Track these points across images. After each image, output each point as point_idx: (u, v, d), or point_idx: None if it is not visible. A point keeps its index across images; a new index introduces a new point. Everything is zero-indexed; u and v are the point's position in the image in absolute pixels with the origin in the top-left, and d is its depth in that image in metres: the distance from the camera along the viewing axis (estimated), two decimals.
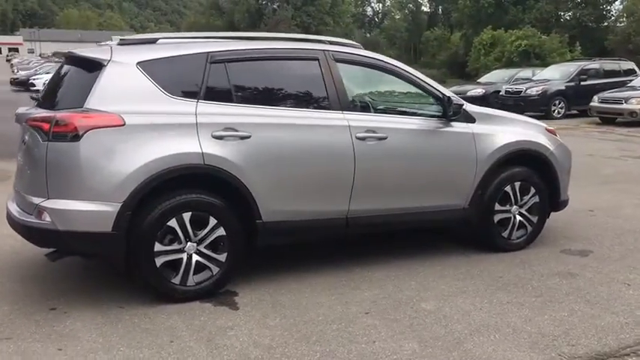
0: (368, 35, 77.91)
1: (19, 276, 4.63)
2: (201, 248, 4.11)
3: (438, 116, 4.89)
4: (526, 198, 5.24)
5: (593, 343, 3.58)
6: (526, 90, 18.45)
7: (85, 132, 3.77)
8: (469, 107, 5.06)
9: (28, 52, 78.01)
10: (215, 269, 4.17)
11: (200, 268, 4.14)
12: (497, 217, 5.14)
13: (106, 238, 3.84)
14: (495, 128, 5.09)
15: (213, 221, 4.11)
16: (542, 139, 5.31)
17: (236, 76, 4.29)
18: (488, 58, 40.99)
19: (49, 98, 4.22)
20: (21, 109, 4.32)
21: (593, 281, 4.59)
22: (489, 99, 19.81)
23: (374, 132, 4.56)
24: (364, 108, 4.82)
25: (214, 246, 4.16)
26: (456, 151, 4.90)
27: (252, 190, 4.17)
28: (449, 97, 4.83)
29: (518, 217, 5.24)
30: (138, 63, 4.03)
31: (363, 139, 4.51)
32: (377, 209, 4.68)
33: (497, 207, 5.13)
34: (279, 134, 4.28)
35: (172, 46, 4.30)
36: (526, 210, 5.27)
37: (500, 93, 19.47)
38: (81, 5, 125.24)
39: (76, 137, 3.76)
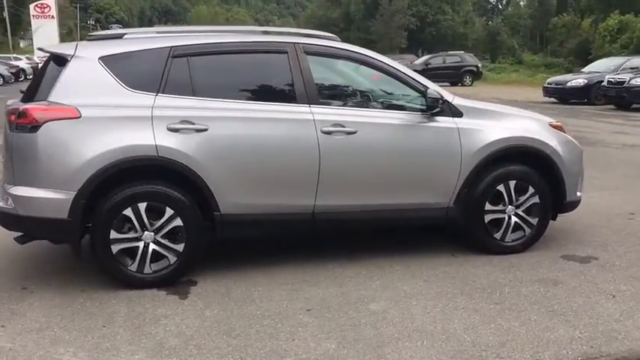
0: (490, 23, 75.20)
1: (9, 257, 4.98)
2: (159, 238, 4.24)
3: (418, 110, 4.69)
4: (523, 198, 4.90)
5: (525, 357, 3.33)
6: (630, 80, 16.97)
7: (43, 123, 4.00)
8: (457, 101, 4.80)
9: None
10: (173, 258, 4.28)
11: (158, 256, 4.26)
12: (488, 217, 4.86)
13: (63, 224, 4.06)
14: (485, 123, 4.80)
15: (169, 212, 4.21)
16: (543, 136, 4.93)
17: (198, 70, 4.35)
18: (614, 45, 38.23)
19: (29, 92, 4.50)
20: (10, 102, 4.65)
21: (575, 290, 4.24)
22: (591, 90, 18.54)
23: (342, 126, 4.45)
24: (336, 102, 4.70)
25: (172, 236, 4.27)
26: (436, 146, 4.67)
27: (208, 183, 4.23)
28: (427, 90, 4.62)
29: (514, 219, 4.92)
30: (100, 58, 4.21)
31: (329, 133, 4.42)
32: (346, 205, 4.58)
33: (489, 207, 4.84)
34: (237, 127, 4.30)
35: (137, 41, 4.44)
36: (524, 211, 4.93)
37: (602, 83, 18.09)
38: (211, 1, 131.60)
39: (35, 128, 4.00)
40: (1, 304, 4.05)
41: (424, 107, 4.68)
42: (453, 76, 30.35)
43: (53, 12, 41.40)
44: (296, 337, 3.58)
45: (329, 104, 4.58)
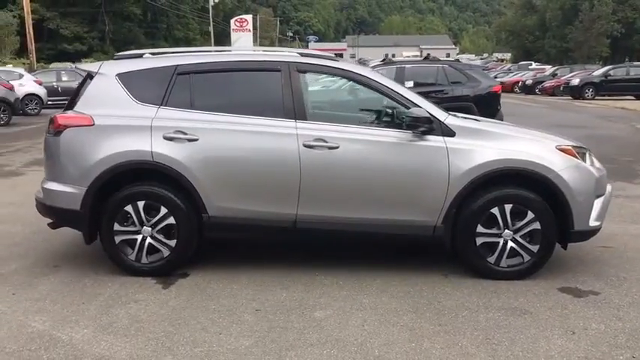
0: None
1: (64, 239, 5.87)
2: (155, 233, 4.81)
3: (407, 128, 4.74)
4: (520, 223, 4.71)
5: None
6: None
7: (65, 129, 4.77)
8: (450, 120, 4.77)
9: (350, 58, 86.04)
10: (166, 252, 4.83)
11: (154, 249, 4.84)
12: (479, 240, 4.74)
13: (76, 215, 4.79)
14: (478, 144, 4.69)
15: (164, 210, 4.77)
16: (544, 159, 4.68)
17: (198, 86, 4.86)
18: None
19: (70, 102, 5.32)
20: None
21: (537, 323, 4.03)
22: None
23: (324, 141, 4.67)
24: (323, 118, 4.89)
25: (167, 232, 4.81)
26: (421, 165, 4.68)
27: (197, 187, 4.71)
28: (409, 109, 4.67)
29: (511, 244, 4.74)
30: (117, 74, 4.89)
31: (311, 147, 4.66)
32: (328, 217, 4.76)
33: (481, 229, 4.73)
34: (225, 138, 4.73)
35: (152, 60, 5.04)
36: (522, 237, 4.73)
37: None
38: (405, 11, 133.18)
39: (59, 133, 4.80)
40: (27, 276, 4.89)
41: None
42: (638, 89, 27.54)
43: (250, 26, 45.08)
44: (225, 332, 3.90)
45: (315, 120, 4.81)
